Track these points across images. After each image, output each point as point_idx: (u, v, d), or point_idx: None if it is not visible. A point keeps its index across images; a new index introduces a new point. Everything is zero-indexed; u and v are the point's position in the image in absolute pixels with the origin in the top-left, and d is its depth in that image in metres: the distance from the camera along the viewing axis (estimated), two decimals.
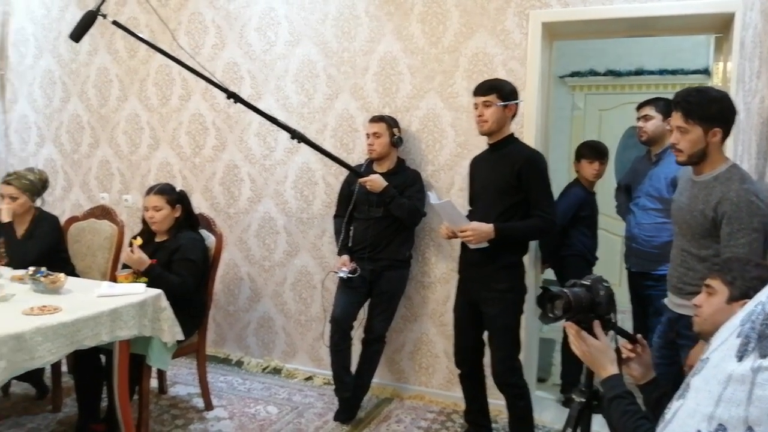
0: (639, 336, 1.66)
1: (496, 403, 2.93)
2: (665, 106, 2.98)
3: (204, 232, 3.25)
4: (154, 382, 3.13)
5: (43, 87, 4.47)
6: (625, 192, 3.33)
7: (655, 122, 3.07)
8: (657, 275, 2.90)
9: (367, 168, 3.21)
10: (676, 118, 2.00)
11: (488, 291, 2.67)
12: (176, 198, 3.10)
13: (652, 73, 5.23)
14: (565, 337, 3.54)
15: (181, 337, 2.76)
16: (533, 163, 2.63)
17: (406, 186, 3.14)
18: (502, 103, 2.61)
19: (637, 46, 5.13)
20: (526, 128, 3.13)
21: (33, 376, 3.28)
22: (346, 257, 3.18)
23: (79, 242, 3.53)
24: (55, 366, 3.15)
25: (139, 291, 2.62)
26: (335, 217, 3.37)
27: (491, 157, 2.74)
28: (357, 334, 3.22)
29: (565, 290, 1.56)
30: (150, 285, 2.77)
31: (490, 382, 2.79)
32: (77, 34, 2.38)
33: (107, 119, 4.28)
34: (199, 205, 3.89)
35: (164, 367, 2.96)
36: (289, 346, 3.87)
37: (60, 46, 4.38)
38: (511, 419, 2.78)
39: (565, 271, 3.38)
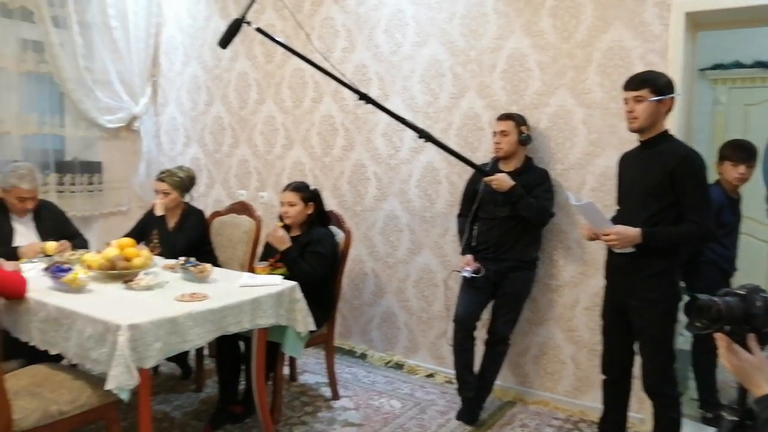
0: None
1: (633, 416, 2.79)
2: None
3: (333, 228, 3.39)
4: (285, 370, 3.29)
5: (190, 92, 4.86)
6: None
7: None
8: None
9: (493, 167, 3.18)
10: None
11: (637, 300, 2.46)
12: (310, 195, 3.26)
13: None
14: (696, 349, 3.29)
15: (313, 327, 2.89)
16: (689, 164, 2.37)
17: (534, 185, 3.07)
18: (656, 98, 2.38)
19: None
20: (667, 126, 2.94)
21: (179, 358, 3.57)
22: (469, 257, 3.16)
23: (221, 235, 3.80)
24: (198, 349, 3.42)
25: (276, 282, 2.78)
26: (459, 216, 3.36)
27: (642, 155, 2.51)
28: (480, 334, 3.20)
29: (716, 299, 1.45)
30: (285, 266, 3.02)
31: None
32: (225, 41, 2.56)
33: (246, 121, 4.57)
34: (328, 202, 4.03)
35: (297, 356, 3.11)
36: (411, 342, 3.92)
37: (205, 53, 4.74)
38: (656, 430, 2.58)
39: (696, 280, 3.06)
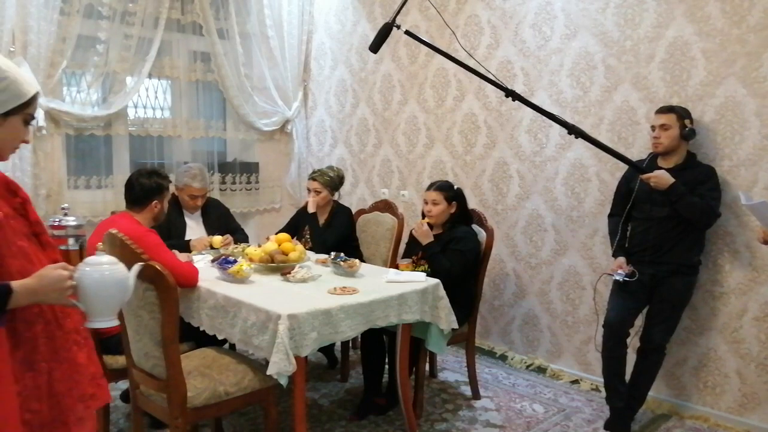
0: None
1: None
2: None
3: (475, 227, 3.37)
4: (425, 366, 3.32)
5: (337, 94, 5.08)
6: None
7: None
8: None
9: (650, 163, 2.97)
10: None
11: None
12: (453, 195, 3.28)
13: None
14: None
15: (456, 325, 2.91)
16: None
17: (698, 183, 2.82)
18: None
19: None
20: None
21: (326, 348, 3.75)
22: (622, 259, 2.99)
23: (365, 232, 3.93)
24: (344, 341, 3.56)
25: (420, 279, 2.83)
26: (610, 216, 3.19)
27: None
28: (632, 342, 3.02)
29: None
30: (427, 260, 3.09)
31: None
32: (376, 46, 2.64)
33: (389, 121, 4.69)
34: (468, 201, 4.00)
35: (440, 352, 3.15)
36: (554, 346, 3.79)
37: (352, 57, 4.92)
38: None
39: None
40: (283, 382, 2.30)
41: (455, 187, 3.33)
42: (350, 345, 3.72)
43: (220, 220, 3.70)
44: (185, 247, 3.36)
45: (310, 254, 3.37)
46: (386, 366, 3.20)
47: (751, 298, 2.97)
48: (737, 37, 2.93)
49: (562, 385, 3.62)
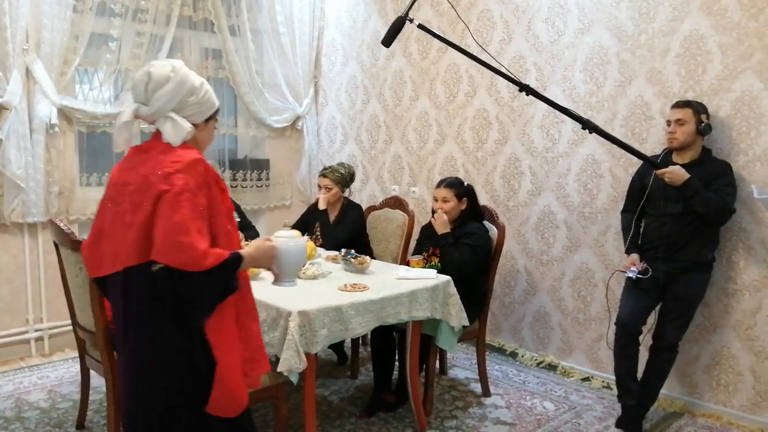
0: None
1: None
2: None
3: (487, 224, 3.36)
4: (435, 363, 3.31)
5: (348, 91, 5.07)
6: None
7: None
8: None
9: (664, 159, 2.94)
10: None
11: None
12: (463, 192, 3.26)
13: None
14: None
15: (466, 323, 2.89)
16: None
17: (713, 178, 2.78)
18: None
19: None
20: None
21: (336, 345, 3.75)
22: (635, 256, 2.96)
23: (375, 228, 3.92)
24: (354, 338, 3.56)
25: (431, 276, 2.82)
26: (623, 212, 3.16)
27: None
28: (644, 339, 2.99)
29: None
30: (440, 250, 3.11)
31: None
32: (388, 40, 2.63)
33: (400, 118, 4.67)
34: (480, 197, 3.99)
35: (451, 349, 3.13)
36: (565, 344, 3.77)
37: (363, 53, 4.91)
38: None
39: None
40: (294, 379, 2.30)
41: (465, 183, 3.32)
42: (360, 342, 3.72)
43: None
44: None
45: (321, 251, 3.37)
46: (396, 363, 3.19)
47: (765, 295, 2.93)
48: (755, 31, 2.88)
49: (572, 383, 3.60)
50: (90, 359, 2.83)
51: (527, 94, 2.57)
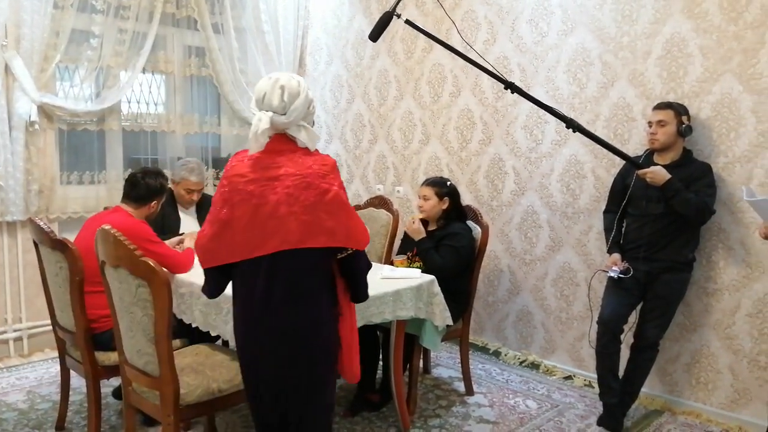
0: None
1: None
2: None
3: (470, 224, 3.37)
4: (419, 362, 3.32)
5: (333, 90, 5.06)
6: None
7: None
8: None
9: (646, 159, 2.97)
10: None
11: None
12: (445, 192, 3.27)
13: None
14: None
15: (450, 322, 2.90)
16: None
17: (694, 179, 2.82)
18: None
19: None
20: None
21: None
22: (617, 256, 2.99)
23: None
24: None
25: (415, 275, 2.82)
26: (605, 212, 3.19)
27: None
28: (626, 338, 3.02)
29: None
30: (419, 256, 3.12)
31: None
32: (375, 35, 2.64)
33: (385, 117, 4.67)
34: (464, 197, 4.01)
35: (434, 349, 3.14)
36: (547, 342, 3.80)
37: (347, 52, 4.90)
38: None
39: None
40: None
41: (449, 183, 3.33)
42: None
43: None
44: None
45: None
46: (380, 362, 3.19)
47: (744, 294, 2.97)
48: (734, 34, 2.92)
49: (555, 381, 3.63)
50: (70, 359, 2.79)
51: (512, 92, 2.58)
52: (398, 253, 3.40)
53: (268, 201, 1.84)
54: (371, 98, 4.75)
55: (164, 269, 2.14)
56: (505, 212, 3.96)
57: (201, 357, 2.50)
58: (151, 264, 2.09)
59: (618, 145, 3.23)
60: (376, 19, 2.67)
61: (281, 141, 1.90)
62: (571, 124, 2.60)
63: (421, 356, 3.44)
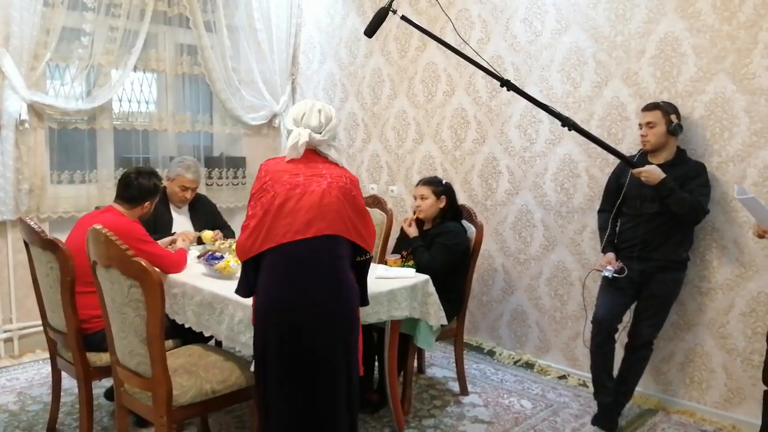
0: None
1: None
2: None
3: (465, 223, 3.36)
4: (414, 362, 3.31)
5: (326, 89, 5.04)
6: None
7: None
8: None
9: (640, 159, 2.97)
10: None
11: None
12: (442, 190, 3.26)
13: None
14: None
15: (445, 321, 2.89)
16: None
17: (688, 178, 2.82)
18: None
19: None
20: None
21: None
22: (611, 255, 2.99)
23: None
24: None
25: (410, 275, 2.81)
26: (600, 212, 3.19)
27: None
28: (620, 337, 3.02)
29: None
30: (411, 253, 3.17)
31: None
32: (371, 31, 2.63)
33: (378, 116, 4.66)
34: (458, 197, 3.98)
35: (429, 348, 3.13)
36: (542, 342, 3.80)
37: (341, 51, 4.88)
38: None
39: None
40: None
41: (444, 181, 3.32)
42: None
43: (207, 217, 3.65)
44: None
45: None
46: (375, 362, 3.18)
47: (738, 293, 2.98)
48: (727, 33, 2.93)
49: (549, 381, 3.62)
50: (61, 360, 2.76)
51: (508, 90, 2.57)
52: (392, 253, 3.39)
53: (314, 191, 2.09)
54: (365, 97, 4.73)
55: (157, 269, 2.12)
56: (499, 211, 3.95)
57: (194, 358, 2.48)
58: (144, 264, 2.07)
59: (612, 145, 3.23)
60: (370, 18, 2.66)
61: (315, 154, 2.20)
62: (566, 122, 2.59)
63: (416, 356, 3.43)
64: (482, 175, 4.02)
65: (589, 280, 3.30)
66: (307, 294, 2.07)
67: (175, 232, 3.39)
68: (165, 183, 3.45)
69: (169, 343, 2.65)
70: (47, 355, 2.91)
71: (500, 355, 3.96)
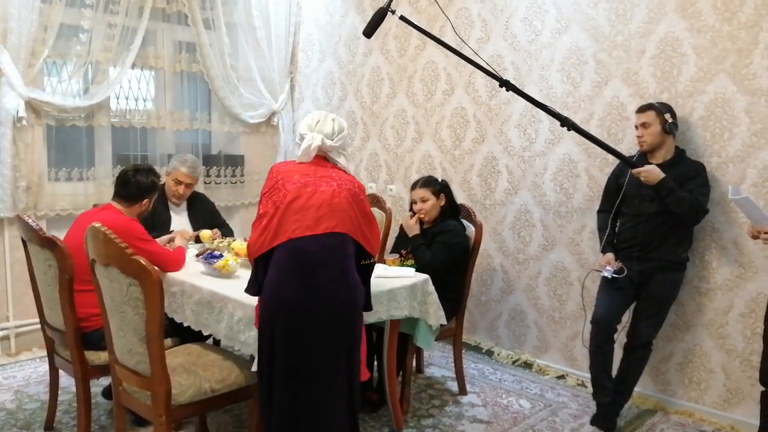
0: None
1: None
2: None
3: (464, 222, 3.36)
4: (413, 362, 3.30)
5: (325, 87, 5.02)
6: None
7: None
8: None
9: (639, 159, 2.97)
10: None
11: None
12: (440, 188, 3.26)
13: None
14: None
15: (444, 321, 2.89)
16: None
17: (687, 178, 2.82)
18: None
19: None
20: None
21: None
22: (610, 255, 2.99)
23: None
24: None
25: (409, 274, 2.80)
26: (599, 211, 3.19)
27: None
28: (619, 337, 3.02)
29: None
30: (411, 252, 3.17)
31: None
32: (370, 31, 2.62)
33: (377, 115, 4.65)
34: (457, 196, 3.99)
35: (428, 348, 3.13)
36: (540, 342, 3.80)
37: (340, 49, 4.86)
38: None
39: None
40: None
41: (440, 179, 3.32)
42: None
43: (205, 215, 3.64)
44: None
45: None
46: (375, 362, 3.17)
47: (737, 294, 2.98)
48: (728, 34, 2.93)
49: (548, 381, 3.62)
50: (59, 359, 2.75)
51: (507, 90, 2.56)
52: (391, 252, 3.38)
53: (324, 190, 2.15)
54: (364, 96, 4.72)
55: (156, 268, 2.11)
56: (499, 211, 3.95)
57: (193, 356, 2.47)
58: (143, 262, 2.06)
59: (611, 145, 3.23)
60: (369, 16, 2.65)
61: (325, 160, 2.29)
62: (566, 123, 2.59)
63: (414, 355, 3.43)
64: (481, 175, 4.02)
65: (588, 280, 3.30)
66: (315, 289, 2.10)
67: (173, 231, 3.38)
68: (164, 178, 3.43)
69: (167, 341, 2.65)
70: (44, 353, 2.89)
71: (499, 354, 3.95)
